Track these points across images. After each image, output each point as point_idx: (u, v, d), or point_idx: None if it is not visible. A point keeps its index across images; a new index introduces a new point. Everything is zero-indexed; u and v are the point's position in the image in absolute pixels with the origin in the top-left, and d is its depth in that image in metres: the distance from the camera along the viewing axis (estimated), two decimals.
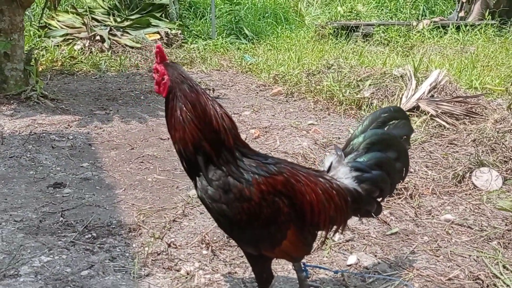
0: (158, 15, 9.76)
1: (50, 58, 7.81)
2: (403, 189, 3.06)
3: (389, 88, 5.16)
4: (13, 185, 3.23)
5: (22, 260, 2.35)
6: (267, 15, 11.83)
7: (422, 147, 3.95)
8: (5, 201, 2.99)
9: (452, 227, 2.72)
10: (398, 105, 4.64)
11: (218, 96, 6.14)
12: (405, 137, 1.98)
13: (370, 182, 1.83)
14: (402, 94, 4.93)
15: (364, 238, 2.57)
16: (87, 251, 2.44)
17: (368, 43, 8.96)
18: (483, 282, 2.17)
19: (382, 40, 9.27)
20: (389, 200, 2.98)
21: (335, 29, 9.71)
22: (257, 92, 6.28)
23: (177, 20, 9.99)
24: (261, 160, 1.67)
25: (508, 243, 2.51)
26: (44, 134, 4.33)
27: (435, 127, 4.38)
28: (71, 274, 2.24)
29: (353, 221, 2.73)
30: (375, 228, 2.69)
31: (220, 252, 2.45)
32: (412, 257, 2.41)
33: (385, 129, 1.92)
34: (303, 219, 1.69)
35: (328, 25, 9.99)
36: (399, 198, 3.01)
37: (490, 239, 2.57)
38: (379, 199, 1.92)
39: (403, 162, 1.94)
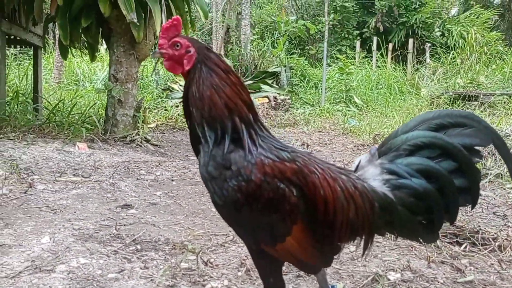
0: (269, 81, 10.19)
1: (166, 116, 8.47)
2: (490, 239, 2.56)
3: None
4: (87, 203, 3.39)
5: (63, 260, 2.37)
6: (380, 86, 11.68)
7: None
8: (74, 213, 3.12)
9: None
10: None
11: (312, 151, 6.01)
12: (475, 148, 1.56)
13: (408, 191, 1.49)
14: None
15: (427, 281, 2.15)
16: (124, 259, 2.40)
17: (487, 112, 8.23)
18: None
19: (505, 110, 8.46)
20: (471, 250, 2.51)
21: (451, 98, 9.16)
22: (353, 150, 6.04)
23: (287, 87, 10.30)
24: (273, 145, 1.50)
25: None
26: (135, 169, 4.57)
27: None
28: (100, 276, 2.19)
29: (418, 264, 2.32)
30: (444, 274, 2.24)
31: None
32: None
33: (442, 133, 1.57)
34: (315, 216, 1.45)
35: (443, 95, 9.49)
36: (485, 248, 2.51)
37: None
38: (428, 221, 1.56)
39: (467, 179, 1.53)
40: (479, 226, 2.79)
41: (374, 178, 1.51)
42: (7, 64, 8.49)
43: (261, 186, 1.40)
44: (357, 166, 1.57)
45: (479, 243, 2.55)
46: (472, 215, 3.04)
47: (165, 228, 2.92)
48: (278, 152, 1.48)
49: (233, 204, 1.41)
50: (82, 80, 12.05)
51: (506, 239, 2.58)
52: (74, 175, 4.12)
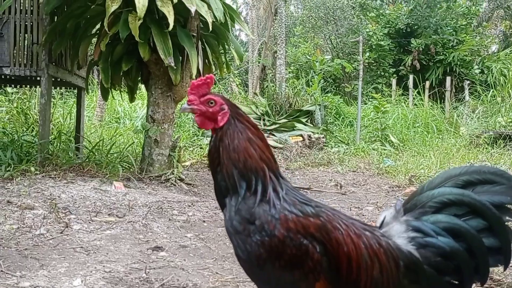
0: (304, 120, 10.24)
1: (201, 154, 8.60)
2: None
3: None
4: (120, 244, 3.45)
5: None
6: (417, 125, 11.51)
7: None
8: (106, 255, 3.19)
9: None
10: None
11: (345, 192, 5.94)
12: (505, 206, 1.53)
13: (434, 250, 1.46)
14: None
15: None
16: None
17: None
18: None
19: None
20: None
21: (491, 138, 8.91)
22: (388, 192, 5.93)
23: (321, 125, 10.31)
24: (297, 199, 1.51)
25: None
26: (168, 209, 4.64)
27: None
28: None
29: None
30: None
31: None
32: None
33: (470, 190, 1.56)
34: (338, 274, 1.43)
35: (483, 134, 9.25)
36: None
37: None
38: (457, 282, 1.51)
39: (498, 238, 1.50)
40: None
41: (399, 235, 1.49)
42: (53, 103, 8.91)
43: (284, 242, 1.40)
44: (382, 222, 1.56)
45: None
46: (511, 267, 2.90)
47: (194, 273, 2.93)
48: (302, 207, 1.48)
49: (256, 259, 1.42)
50: (123, 118, 12.47)
51: None
52: (109, 214, 4.22)
